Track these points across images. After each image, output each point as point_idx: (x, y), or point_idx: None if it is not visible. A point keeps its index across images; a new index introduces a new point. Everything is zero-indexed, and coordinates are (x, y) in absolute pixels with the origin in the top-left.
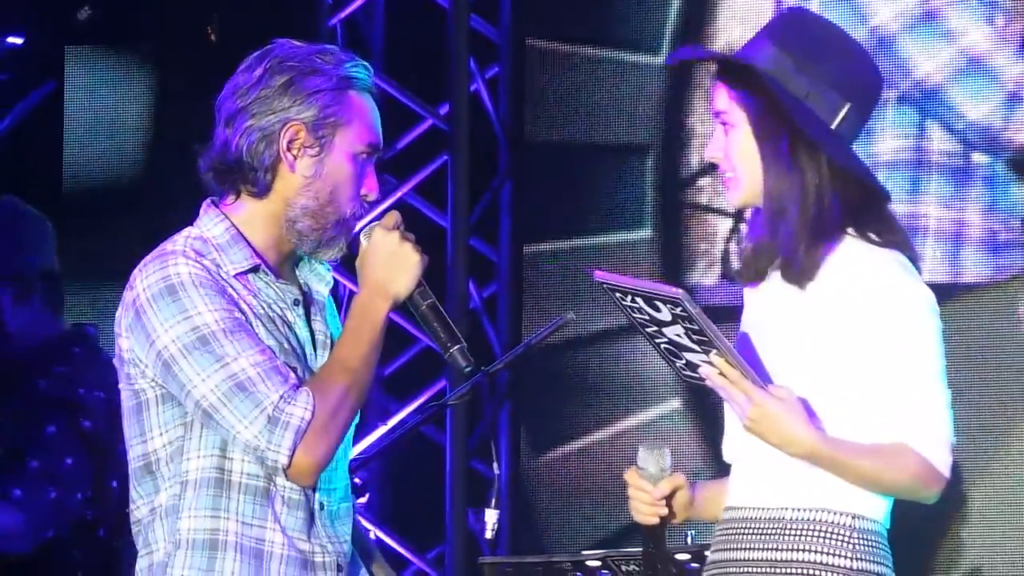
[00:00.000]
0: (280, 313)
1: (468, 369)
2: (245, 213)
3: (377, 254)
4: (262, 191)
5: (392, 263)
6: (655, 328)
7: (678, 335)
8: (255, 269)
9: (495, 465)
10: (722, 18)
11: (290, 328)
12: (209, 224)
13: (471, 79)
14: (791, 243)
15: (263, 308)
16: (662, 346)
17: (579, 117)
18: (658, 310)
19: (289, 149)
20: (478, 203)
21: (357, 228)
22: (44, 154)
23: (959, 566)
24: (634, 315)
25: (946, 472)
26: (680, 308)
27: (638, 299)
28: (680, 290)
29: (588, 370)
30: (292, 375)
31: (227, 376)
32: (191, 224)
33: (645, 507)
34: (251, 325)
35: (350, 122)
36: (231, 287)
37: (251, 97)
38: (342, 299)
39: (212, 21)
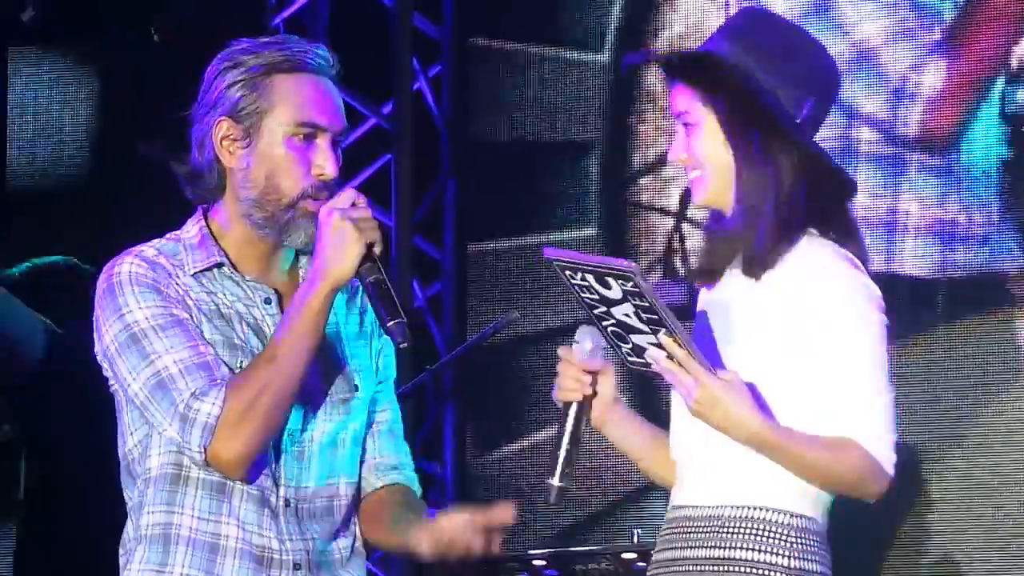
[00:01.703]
0: (242, 311)
1: (403, 345)
2: (219, 215)
3: (321, 236)
4: (217, 192)
5: (332, 244)
6: (603, 309)
7: (627, 315)
8: (217, 266)
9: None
10: (665, 16)
11: (251, 325)
12: (188, 226)
13: (414, 78)
14: (764, 238)
15: (216, 305)
16: (609, 329)
17: (522, 115)
18: (608, 287)
19: (222, 146)
20: (422, 202)
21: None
22: None
23: (914, 565)
24: (583, 295)
25: (890, 470)
26: (631, 283)
27: (588, 276)
28: (632, 264)
29: (533, 368)
30: (222, 372)
31: (152, 374)
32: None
33: (571, 382)
34: (194, 322)
35: (274, 106)
36: (181, 285)
37: (196, 105)
38: None
39: (155, 21)
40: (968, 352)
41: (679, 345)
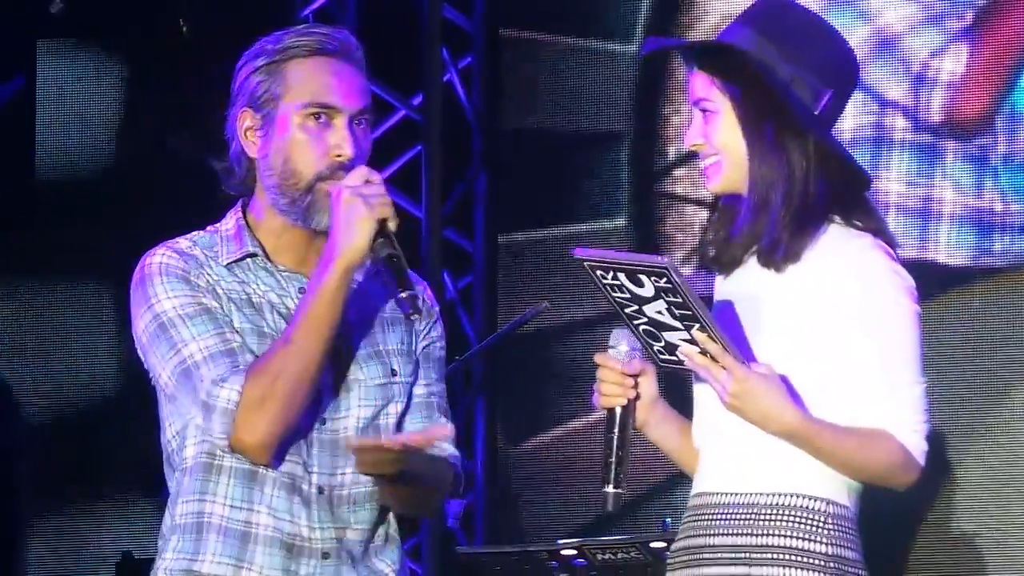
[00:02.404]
0: (275, 300)
1: (413, 316)
2: (254, 207)
3: (334, 215)
4: (250, 184)
5: (344, 221)
6: (635, 307)
7: (659, 312)
8: (251, 256)
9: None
10: (695, 6)
11: (284, 315)
12: (227, 218)
13: (444, 69)
14: (774, 230)
15: (247, 295)
16: (640, 327)
17: (553, 106)
18: (640, 285)
19: (246, 137)
20: (452, 194)
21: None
22: (16, 148)
23: (938, 552)
24: (614, 294)
25: (922, 460)
26: (665, 279)
27: (620, 275)
28: (665, 259)
29: (563, 359)
30: (246, 358)
31: (178, 362)
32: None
33: (613, 387)
34: (223, 311)
35: (288, 91)
36: (212, 275)
37: (229, 101)
38: None
39: (184, 14)
40: (999, 339)
41: (713, 340)
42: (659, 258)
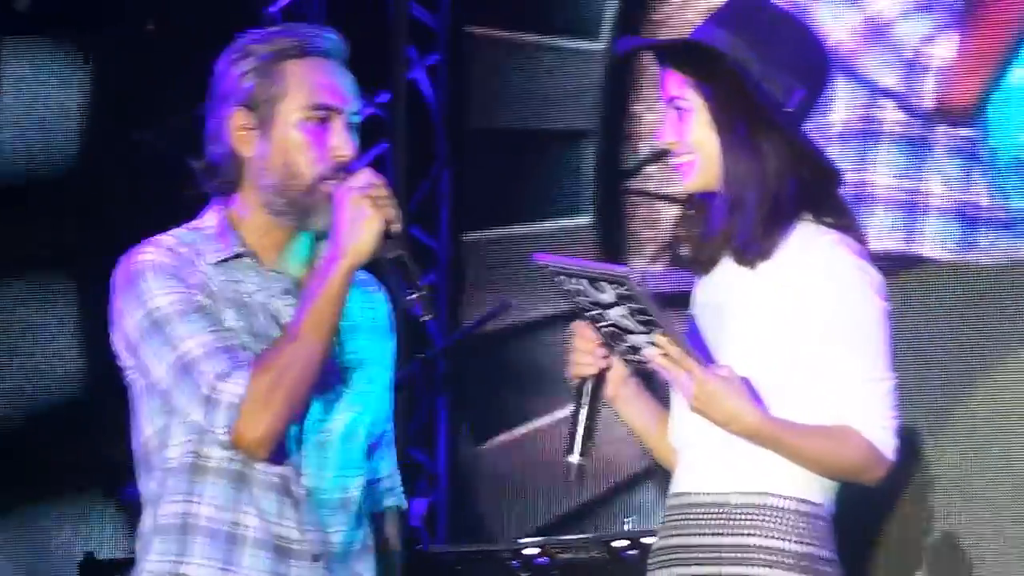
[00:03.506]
0: (263, 300)
1: (427, 318)
2: (239, 206)
3: (338, 215)
4: (234, 183)
5: (350, 222)
6: (597, 311)
7: (622, 316)
8: (237, 257)
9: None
10: (660, 3)
11: (272, 315)
12: (207, 216)
13: (410, 67)
14: (749, 228)
15: (238, 294)
16: (603, 330)
17: (518, 104)
18: (602, 291)
19: (238, 136)
20: (417, 191)
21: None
22: None
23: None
24: (576, 299)
25: (890, 455)
26: (625, 288)
27: (582, 281)
28: (627, 268)
29: (527, 358)
30: (244, 355)
31: (176, 358)
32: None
33: (585, 356)
34: (215, 309)
35: (287, 92)
36: (202, 274)
37: (209, 99)
38: None
39: (150, 12)
40: (983, 333)
41: (674, 344)
42: (620, 268)
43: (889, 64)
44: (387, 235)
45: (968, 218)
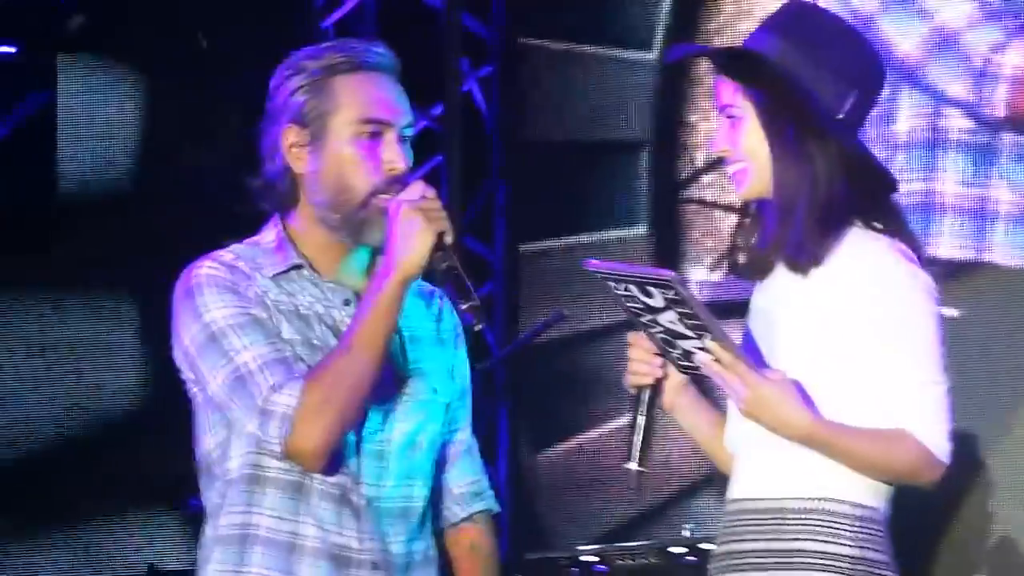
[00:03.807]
0: (321, 312)
1: (478, 327)
2: (296, 221)
3: (391, 229)
4: (291, 199)
5: (402, 235)
6: (650, 317)
7: (672, 322)
8: (296, 268)
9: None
10: (713, 12)
11: (330, 327)
12: (266, 232)
13: (463, 79)
14: (799, 234)
15: (295, 306)
16: (658, 336)
17: (572, 115)
18: (651, 296)
19: (291, 153)
20: (472, 203)
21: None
22: (38, 163)
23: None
24: (628, 304)
25: (945, 459)
26: (673, 292)
27: (631, 286)
28: (672, 272)
29: (585, 367)
30: (299, 367)
31: (231, 371)
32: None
33: (642, 366)
34: (272, 322)
35: (337, 108)
36: (259, 287)
37: (263, 117)
38: None
39: (203, 28)
40: None
41: (725, 349)
42: (665, 271)
43: (958, 74)
44: (440, 247)
45: None
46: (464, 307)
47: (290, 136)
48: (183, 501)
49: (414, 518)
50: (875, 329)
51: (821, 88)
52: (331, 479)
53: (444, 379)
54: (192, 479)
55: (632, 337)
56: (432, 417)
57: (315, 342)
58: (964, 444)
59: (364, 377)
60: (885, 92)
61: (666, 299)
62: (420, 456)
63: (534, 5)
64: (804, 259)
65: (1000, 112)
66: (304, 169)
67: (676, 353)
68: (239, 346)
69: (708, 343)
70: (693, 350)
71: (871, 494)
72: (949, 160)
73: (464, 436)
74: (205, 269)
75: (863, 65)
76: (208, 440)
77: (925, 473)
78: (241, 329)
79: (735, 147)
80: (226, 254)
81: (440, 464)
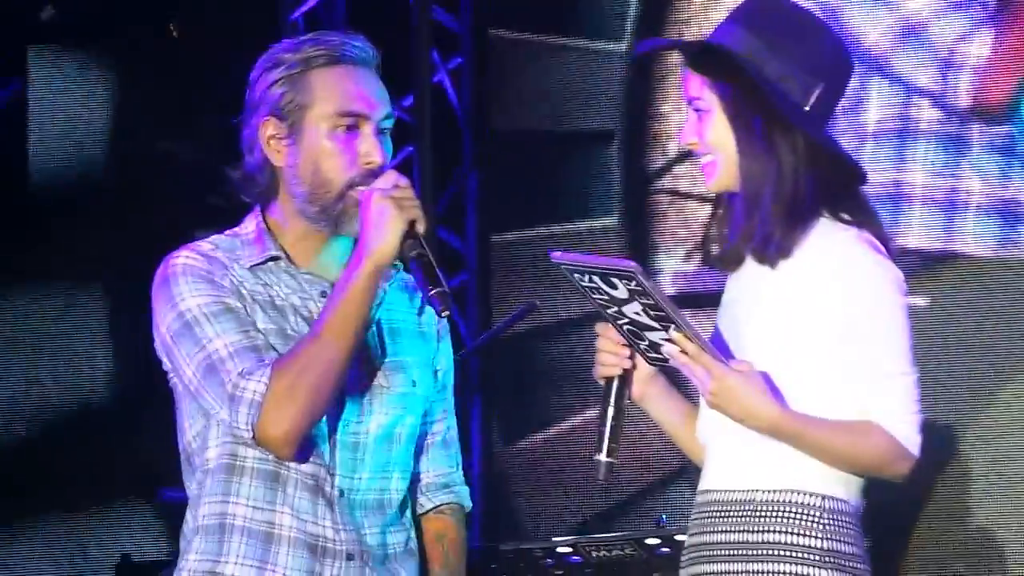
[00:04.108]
0: (297, 303)
1: (445, 314)
2: (276, 213)
3: (363, 217)
4: (271, 192)
5: (373, 223)
6: (615, 309)
7: (637, 313)
8: (273, 260)
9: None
10: (683, 2)
11: (306, 318)
12: (246, 223)
13: (434, 70)
14: (766, 226)
15: (271, 297)
16: (624, 327)
17: (543, 106)
18: (615, 288)
19: (270, 145)
20: (444, 194)
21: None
22: (9, 153)
23: (937, 545)
24: (593, 295)
25: (914, 451)
26: (635, 283)
27: (595, 278)
28: (632, 263)
29: (558, 358)
30: (271, 355)
31: (204, 358)
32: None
33: (610, 356)
34: (247, 311)
35: (314, 101)
36: (236, 277)
37: (243, 110)
38: None
39: (173, 18)
40: (1015, 327)
41: (689, 340)
42: (626, 262)
43: (924, 63)
44: (411, 235)
45: (1006, 214)
46: (432, 292)
47: (268, 129)
48: (157, 492)
49: (391, 509)
50: (843, 320)
51: (787, 80)
52: (306, 469)
53: (424, 372)
54: (165, 470)
55: (600, 327)
56: (410, 410)
57: (290, 332)
58: (935, 435)
59: (334, 364)
60: (855, 83)
61: (629, 290)
62: (398, 449)
63: None
64: (771, 251)
65: (965, 101)
66: (283, 162)
67: (644, 344)
68: (211, 334)
69: (672, 334)
70: (660, 341)
71: (842, 486)
72: (919, 150)
73: (440, 428)
74: (182, 259)
75: (830, 57)
76: (188, 430)
77: (895, 465)
78: (214, 317)
79: (702, 140)
80: (205, 244)
81: (415, 454)
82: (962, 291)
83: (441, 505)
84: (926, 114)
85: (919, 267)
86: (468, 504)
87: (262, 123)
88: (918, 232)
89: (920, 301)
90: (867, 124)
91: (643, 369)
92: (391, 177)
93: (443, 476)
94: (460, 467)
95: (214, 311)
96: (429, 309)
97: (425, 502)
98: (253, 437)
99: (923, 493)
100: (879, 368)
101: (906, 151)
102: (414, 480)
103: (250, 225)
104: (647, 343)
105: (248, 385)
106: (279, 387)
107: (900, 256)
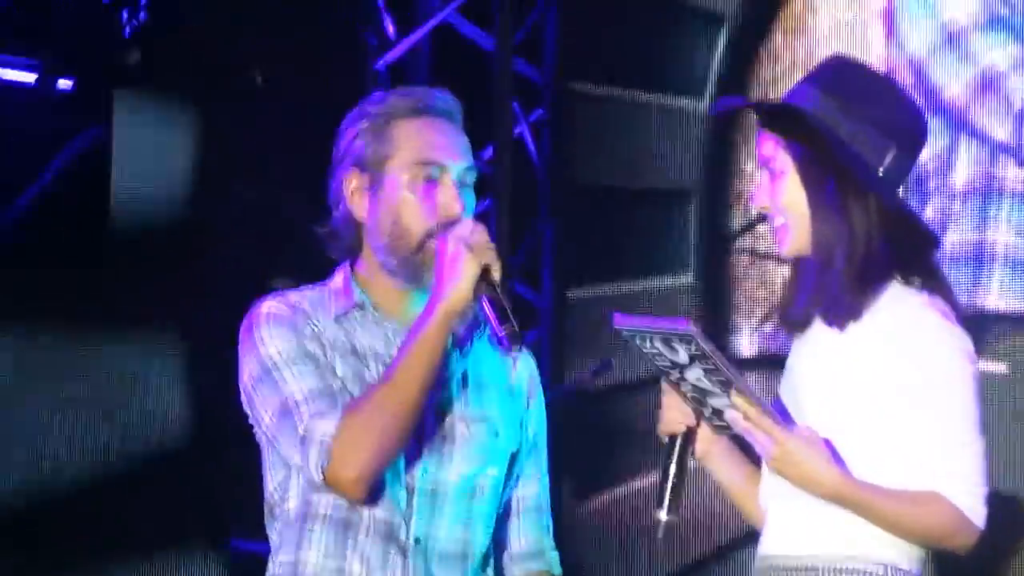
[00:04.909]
0: (380, 350)
1: (515, 351)
2: (363, 267)
3: (439, 263)
4: (356, 246)
5: (447, 268)
6: (677, 375)
7: (698, 378)
8: (359, 308)
9: None
10: (766, 64)
11: (387, 364)
12: (335, 275)
13: (515, 122)
14: (835, 288)
15: (352, 344)
16: (688, 394)
17: (622, 161)
18: (675, 352)
19: (353, 199)
20: (521, 247)
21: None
22: (92, 197)
23: None
24: (657, 361)
25: (979, 522)
26: (694, 345)
27: (656, 342)
28: (690, 324)
29: (630, 416)
30: (344, 398)
31: (279, 402)
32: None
33: (675, 413)
34: (326, 358)
35: (395, 152)
36: (317, 326)
37: (331, 165)
38: None
39: (259, 64)
40: None
41: (750, 403)
42: (684, 324)
43: (1000, 116)
44: (486, 280)
45: None
46: (503, 331)
47: (352, 182)
48: (225, 541)
49: (472, 562)
50: (910, 387)
51: (861, 143)
52: (379, 515)
53: (510, 427)
54: (235, 519)
55: (666, 383)
56: (492, 462)
57: (368, 379)
58: (1008, 505)
59: (405, 407)
60: (944, 141)
61: (690, 354)
62: (481, 500)
63: (586, 50)
64: (841, 314)
65: None
66: (364, 215)
67: (708, 412)
68: (289, 378)
69: (733, 398)
70: (722, 408)
71: (904, 557)
72: (1004, 210)
73: (530, 492)
74: (266, 307)
75: (904, 120)
76: (270, 483)
77: (958, 537)
78: (293, 363)
79: (775, 202)
80: (292, 295)
81: (504, 516)
82: None
83: (531, 573)
84: (1012, 173)
85: (996, 330)
86: (558, 572)
87: (346, 176)
88: (998, 293)
89: (999, 367)
90: (955, 184)
91: (707, 428)
92: (467, 224)
93: (534, 543)
94: (551, 532)
95: (293, 356)
96: (523, 365)
97: (516, 570)
98: (324, 479)
99: (987, 566)
100: (945, 437)
101: (990, 210)
102: (503, 545)
103: (338, 278)
104: (711, 410)
105: (319, 427)
106: (349, 430)
107: (978, 319)
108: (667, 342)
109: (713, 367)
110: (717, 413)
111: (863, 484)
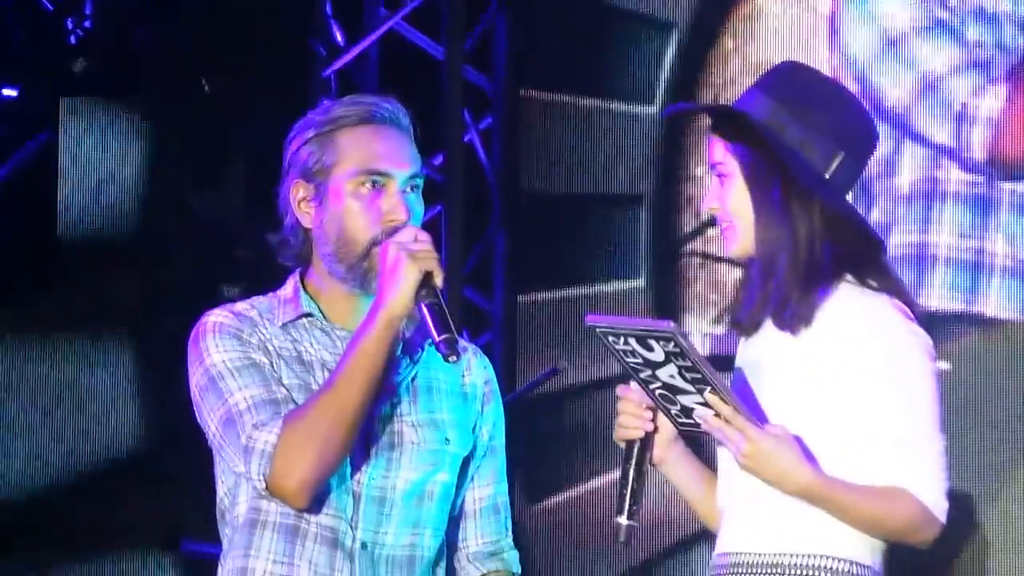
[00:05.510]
0: (327, 359)
1: (452, 359)
2: (312, 277)
3: (381, 270)
4: (306, 254)
5: (388, 274)
6: (649, 372)
7: (672, 376)
8: (306, 316)
9: None
10: (715, 70)
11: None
12: (285, 284)
13: (465, 130)
14: (781, 291)
15: (298, 352)
16: (656, 392)
17: (573, 167)
18: (651, 350)
19: (300, 208)
20: (472, 253)
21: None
22: (39, 205)
23: None
24: (627, 359)
25: (942, 517)
26: (673, 344)
27: (631, 340)
28: (672, 324)
29: (581, 420)
30: (288, 407)
31: (224, 411)
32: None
33: (631, 419)
34: (272, 367)
35: (340, 160)
36: (264, 334)
37: (280, 174)
38: None
39: (206, 72)
40: None
41: (725, 402)
42: (666, 323)
43: (942, 120)
44: (427, 286)
45: None
46: (439, 339)
47: (299, 191)
48: (177, 543)
49: (419, 566)
50: (873, 386)
51: (808, 148)
52: (325, 522)
53: (462, 432)
54: (188, 522)
55: (621, 390)
56: (442, 467)
57: (314, 387)
58: (958, 501)
59: (346, 414)
60: (888, 145)
61: (666, 352)
62: (430, 506)
63: (536, 57)
64: (789, 319)
65: (981, 156)
66: (312, 223)
67: (675, 409)
68: (234, 388)
69: (708, 396)
70: (693, 405)
71: (867, 552)
72: (946, 212)
73: (488, 492)
74: (213, 317)
75: (853, 126)
76: (220, 489)
77: (922, 531)
78: (238, 372)
79: (723, 205)
80: (240, 304)
81: (458, 518)
82: (985, 354)
83: (489, 573)
84: (953, 175)
85: (941, 330)
86: (517, 570)
87: (293, 185)
88: (939, 293)
89: (943, 365)
90: (901, 187)
91: (664, 432)
92: (410, 231)
93: (491, 544)
94: (510, 532)
95: (238, 366)
96: (477, 370)
97: (472, 570)
98: (266, 488)
99: (944, 560)
100: (910, 434)
101: (932, 212)
102: (458, 546)
103: (288, 286)
104: (679, 407)
105: (260, 436)
106: (290, 437)
107: (923, 319)
108: (643, 341)
109: (690, 365)
110: (685, 411)
111: (832, 480)
